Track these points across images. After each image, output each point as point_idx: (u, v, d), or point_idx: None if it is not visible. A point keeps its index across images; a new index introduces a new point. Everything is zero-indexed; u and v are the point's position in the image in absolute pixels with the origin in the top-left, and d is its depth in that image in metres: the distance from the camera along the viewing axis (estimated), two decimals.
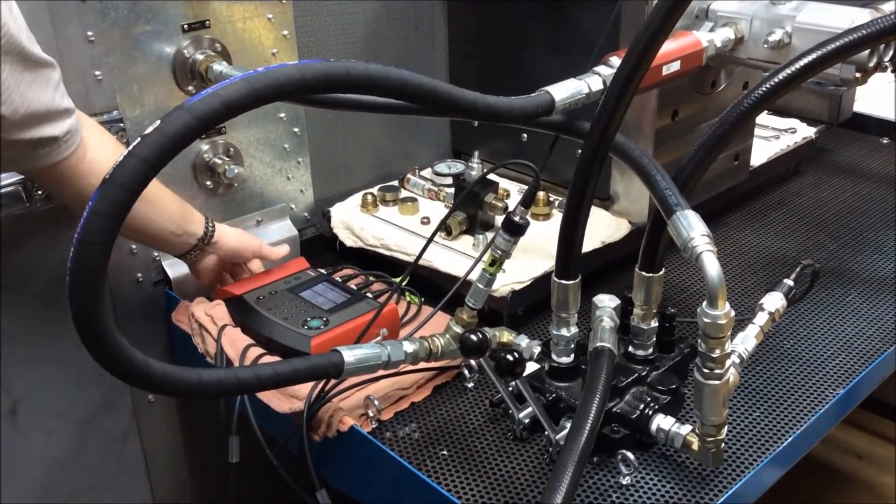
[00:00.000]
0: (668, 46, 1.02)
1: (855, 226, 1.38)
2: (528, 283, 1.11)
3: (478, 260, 1.02)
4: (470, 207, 1.23)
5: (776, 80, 0.86)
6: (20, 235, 1.05)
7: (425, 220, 1.29)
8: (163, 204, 1.06)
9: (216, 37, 1.15)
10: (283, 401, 0.98)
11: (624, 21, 1.12)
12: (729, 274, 1.25)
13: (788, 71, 0.87)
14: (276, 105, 1.25)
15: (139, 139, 0.61)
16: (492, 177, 1.33)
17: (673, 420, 0.89)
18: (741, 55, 1.12)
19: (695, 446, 0.85)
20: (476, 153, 1.39)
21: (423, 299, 1.17)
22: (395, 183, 1.40)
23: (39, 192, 1.02)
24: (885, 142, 1.68)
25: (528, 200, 0.92)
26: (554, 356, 0.94)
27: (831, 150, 1.66)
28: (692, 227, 0.77)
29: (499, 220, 1.23)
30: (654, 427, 0.89)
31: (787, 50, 1.06)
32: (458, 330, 0.94)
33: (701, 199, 1.21)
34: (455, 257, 1.18)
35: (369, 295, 1.14)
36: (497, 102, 0.85)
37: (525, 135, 1.34)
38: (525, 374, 0.87)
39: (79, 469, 1.20)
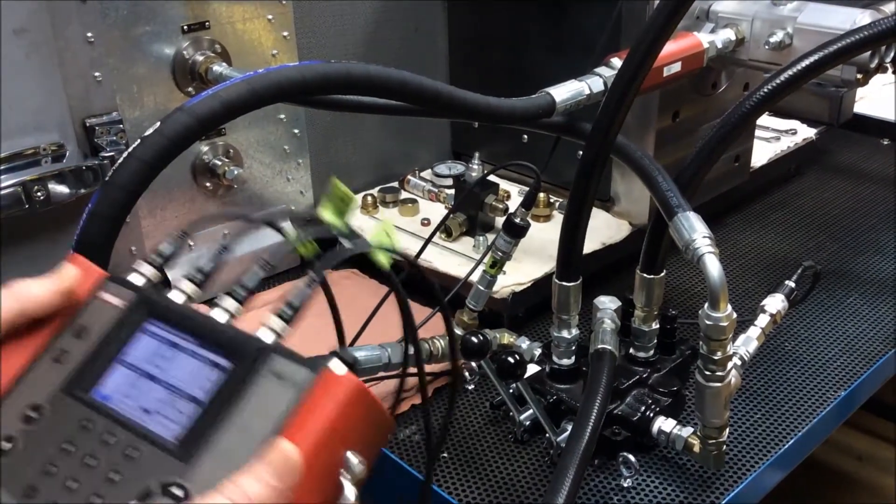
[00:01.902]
0: (670, 47, 1.02)
1: (855, 227, 1.38)
2: (529, 284, 1.11)
3: (478, 262, 1.02)
4: (470, 209, 1.23)
5: (778, 81, 0.86)
6: (20, 237, 1.05)
7: (425, 222, 1.29)
8: None
9: (216, 38, 1.15)
10: None
11: (625, 22, 1.12)
12: (730, 275, 1.23)
13: (791, 72, 0.86)
14: (276, 106, 1.25)
15: (139, 141, 0.61)
16: (492, 178, 1.33)
17: (674, 422, 0.88)
18: (742, 56, 1.11)
19: (696, 449, 0.85)
20: (476, 154, 1.38)
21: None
22: (395, 184, 1.40)
23: (39, 194, 1.01)
24: (885, 143, 1.68)
25: (528, 202, 0.92)
26: (555, 358, 0.94)
27: (832, 151, 1.66)
28: (694, 229, 0.77)
29: (499, 221, 1.23)
30: (655, 429, 0.89)
31: (788, 51, 1.06)
32: (459, 332, 0.94)
33: (701, 200, 1.21)
34: (455, 259, 1.18)
35: (267, 334, 0.50)
36: (498, 103, 0.85)
37: (525, 136, 1.34)
38: (526, 376, 0.87)
39: None
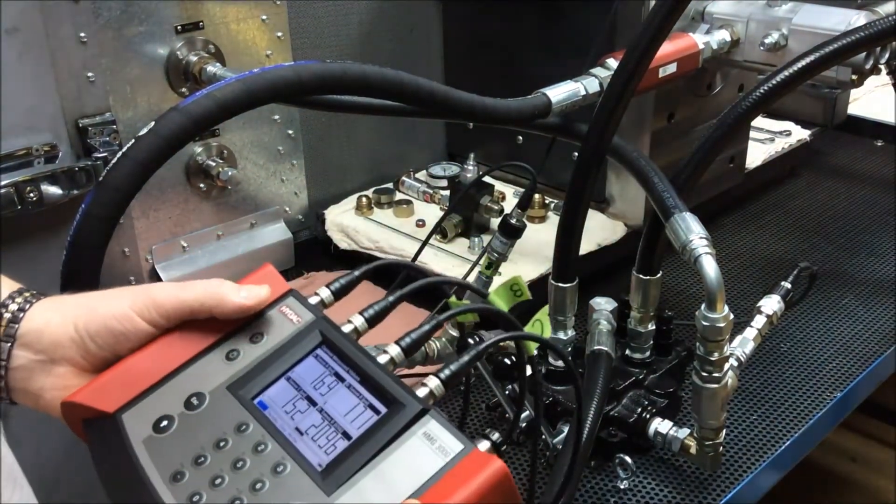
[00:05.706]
0: (665, 48, 1.02)
1: (850, 228, 1.38)
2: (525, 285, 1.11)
3: (475, 263, 1.02)
4: (465, 210, 1.22)
5: (774, 82, 0.86)
6: (12, 239, 1.04)
7: (420, 223, 1.28)
8: None
9: (210, 38, 1.15)
10: None
11: (620, 22, 1.11)
12: (725, 276, 1.23)
13: (786, 73, 0.86)
14: (271, 107, 1.25)
15: (133, 141, 0.61)
16: (487, 179, 1.33)
17: (671, 424, 0.88)
18: (737, 57, 1.11)
19: (693, 450, 0.85)
20: (471, 155, 1.38)
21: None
22: (390, 185, 1.39)
23: (32, 195, 1.01)
24: (879, 144, 1.69)
25: (525, 203, 0.91)
26: (551, 359, 0.93)
27: (826, 152, 1.66)
28: (690, 230, 0.77)
29: (494, 222, 1.22)
30: (651, 431, 0.88)
31: (783, 52, 1.06)
32: (454, 333, 0.93)
33: (696, 202, 1.21)
34: (451, 260, 1.17)
35: (425, 392, 0.52)
36: (494, 104, 0.85)
37: (520, 137, 1.33)
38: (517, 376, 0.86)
39: (70, 476, 1.19)
